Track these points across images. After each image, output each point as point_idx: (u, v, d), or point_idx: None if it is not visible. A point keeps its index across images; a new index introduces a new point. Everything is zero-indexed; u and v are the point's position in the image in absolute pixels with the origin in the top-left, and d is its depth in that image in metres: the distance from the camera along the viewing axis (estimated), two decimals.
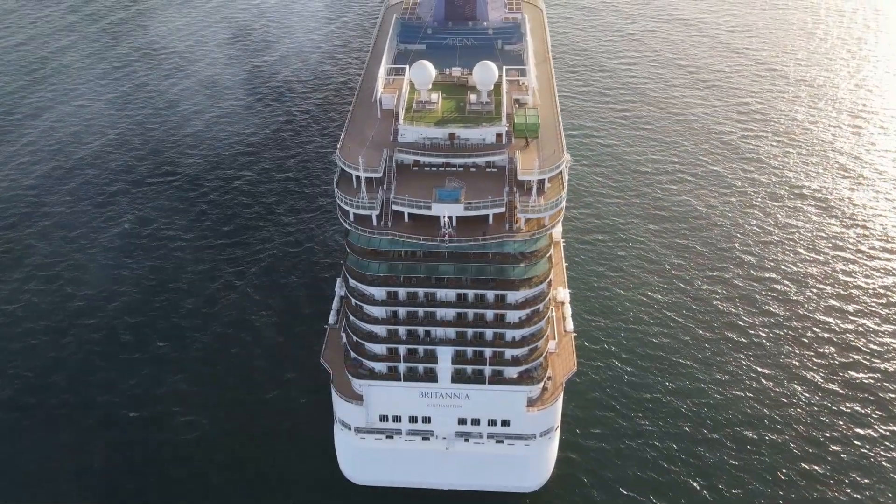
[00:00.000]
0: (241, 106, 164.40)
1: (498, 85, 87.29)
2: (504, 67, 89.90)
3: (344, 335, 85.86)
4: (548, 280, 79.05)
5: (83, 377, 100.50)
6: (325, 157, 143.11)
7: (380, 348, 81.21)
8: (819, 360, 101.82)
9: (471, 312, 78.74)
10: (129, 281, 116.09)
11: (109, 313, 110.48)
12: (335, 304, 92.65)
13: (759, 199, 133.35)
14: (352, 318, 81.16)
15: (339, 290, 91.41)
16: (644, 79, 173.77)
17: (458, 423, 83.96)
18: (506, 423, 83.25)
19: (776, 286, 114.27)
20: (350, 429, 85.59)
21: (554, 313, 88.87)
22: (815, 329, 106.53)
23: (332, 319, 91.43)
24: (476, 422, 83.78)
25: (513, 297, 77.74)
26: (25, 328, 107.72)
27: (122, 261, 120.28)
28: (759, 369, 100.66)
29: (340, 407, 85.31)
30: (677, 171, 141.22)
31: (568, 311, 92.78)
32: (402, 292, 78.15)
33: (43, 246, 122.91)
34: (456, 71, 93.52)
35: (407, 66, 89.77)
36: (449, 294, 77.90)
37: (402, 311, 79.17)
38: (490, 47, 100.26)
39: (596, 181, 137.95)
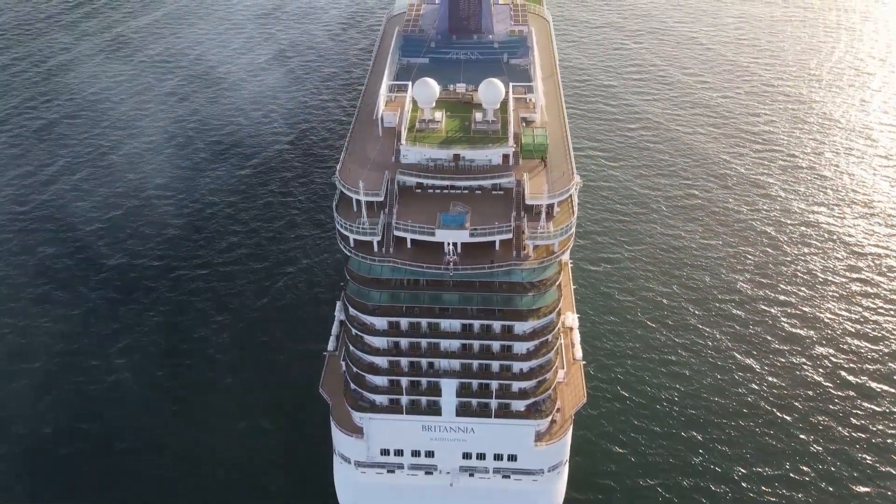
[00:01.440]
0: (237, 118, 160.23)
1: (504, 103, 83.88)
2: (510, 84, 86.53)
3: (343, 363, 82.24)
4: (557, 309, 75.43)
5: (72, 398, 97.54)
6: (326, 174, 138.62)
7: (381, 380, 77.49)
8: (837, 412, 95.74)
9: (476, 343, 75.02)
10: (118, 304, 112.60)
11: (104, 332, 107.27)
12: (334, 330, 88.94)
13: (770, 226, 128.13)
14: (352, 348, 77.44)
15: (339, 314, 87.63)
16: (648, 95, 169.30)
17: (463, 458, 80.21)
18: (513, 457, 79.49)
19: (787, 319, 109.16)
20: (350, 462, 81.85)
21: (562, 340, 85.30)
22: (831, 366, 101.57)
23: (331, 346, 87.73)
24: (482, 456, 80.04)
25: (520, 327, 73.99)
26: None
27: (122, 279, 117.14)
28: (775, 401, 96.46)
29: (340, 440, 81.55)
30: (685, 192, 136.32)
31: (577, 337, 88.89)
32: (404, 322, 74.46)
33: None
34: (460, 87, 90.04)
35: (410, 83, 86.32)
36: (453, 324, 74.20)
37: (404, 341, 75.45)
38: (496, 62, 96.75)
39: (602, 198, 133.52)
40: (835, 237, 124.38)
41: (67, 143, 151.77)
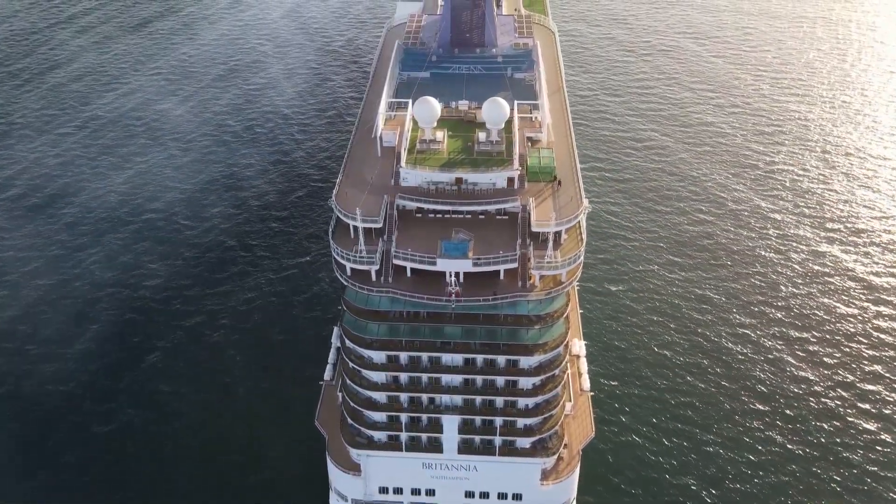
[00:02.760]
0: (231, 135, 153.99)
1: (509, 122, 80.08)
2: (515, 102, 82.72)
3: (340, 395, 78.46)
4: (565, 342, 71.60)
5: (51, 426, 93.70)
6: (322, 192, 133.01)
7: (379, 416, 73.68)
8: (859, 434, 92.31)
9: (479, 379, 71.24)
10: (117, 327, 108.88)
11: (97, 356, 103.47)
12: (331, 357, 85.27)
13: (791, 239, 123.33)
14: (348, 381, 73.68)
15: (336, 341, 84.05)
16: (659, 101, 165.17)
17: (466, 497, 76.53)
18: (518, 496, 75.78)
19: (810, 343, 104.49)
20: (347, 500, 78.12)
21: (569, 370, 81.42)
22: (859, 390, 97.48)
23: (327, 375, 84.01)
24: (485, 495, 76.33)
25: (526, 362, 70.15)
26: None
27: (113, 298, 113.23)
28: (789, 431, 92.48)
29: (336, 476, 77.73)
30: (697, 206, 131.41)
31: (584, 366, 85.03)
32: (403, 356, 70.70)
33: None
34: (463, 105, 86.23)
35: (410, 101, 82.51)
36: (455, 359, 70.38)
37: (403, 376, 71.70)
38: (499, 77, 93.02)
39: (609, 218, 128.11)
40: (853, 271, 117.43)
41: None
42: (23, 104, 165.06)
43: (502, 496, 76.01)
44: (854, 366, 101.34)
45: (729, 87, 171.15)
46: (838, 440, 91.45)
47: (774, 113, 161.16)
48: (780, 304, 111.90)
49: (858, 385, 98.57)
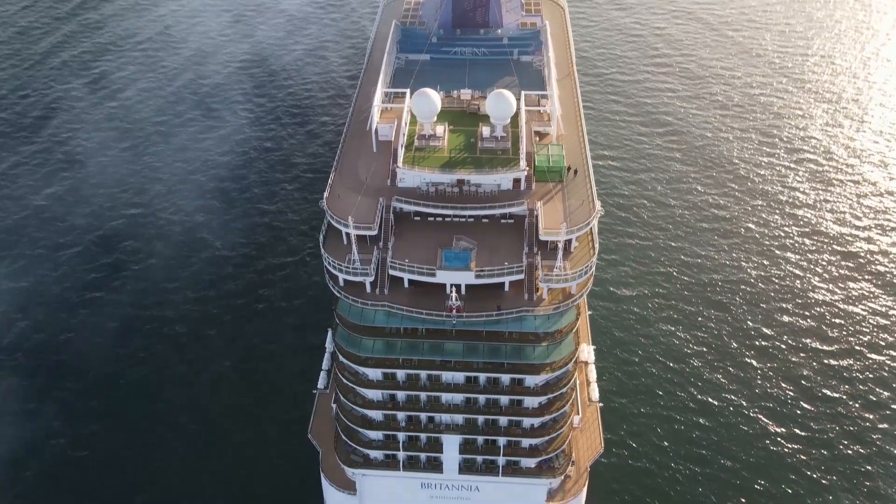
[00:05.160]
0: (212, 123, 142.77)
1: (515, 115, 73.70)
2: (522, 93, 76.30)
3: (334, 406, 73.98)
4: (574, 359, 66.74)
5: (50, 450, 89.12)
6: (313, 185, 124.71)
7: (375, 434, 69.39)
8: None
9: (482, 397, 66.69)
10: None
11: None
12: (325, 364, 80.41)
13: (825, 239, 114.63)
14: (342, 399, 69.12)
15: (330, 346, 79.28)
16: (677, 79, 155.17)
17: None
18: None
19: (837, 357, 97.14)
20: None
21: (577, 378, 76.69)
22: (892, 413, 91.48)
23: (321, 383, 79.38)
24: None
25: (532, 381, 65.44)
26: None
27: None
28: (815, 447, 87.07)
29: (330, 494, 73.88)
30: (717, 200, 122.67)
31: (592, 373, 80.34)
32: (401, 374, 66.03)
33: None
34: (465, 94, 79.72)
35: (408, 91, 76.20)
36: (457, 377, 65.60)
37: (401, 394, 67.13)
38: (505, 62, 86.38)
39: (617, 213, 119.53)
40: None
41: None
42: None
43: None
44: (890, 386, 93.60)
45: (760, 61, 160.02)
46: (867, 467, 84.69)
47: (812, 88, 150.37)
48: (807, 312, 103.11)
49: (893, 406, 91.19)
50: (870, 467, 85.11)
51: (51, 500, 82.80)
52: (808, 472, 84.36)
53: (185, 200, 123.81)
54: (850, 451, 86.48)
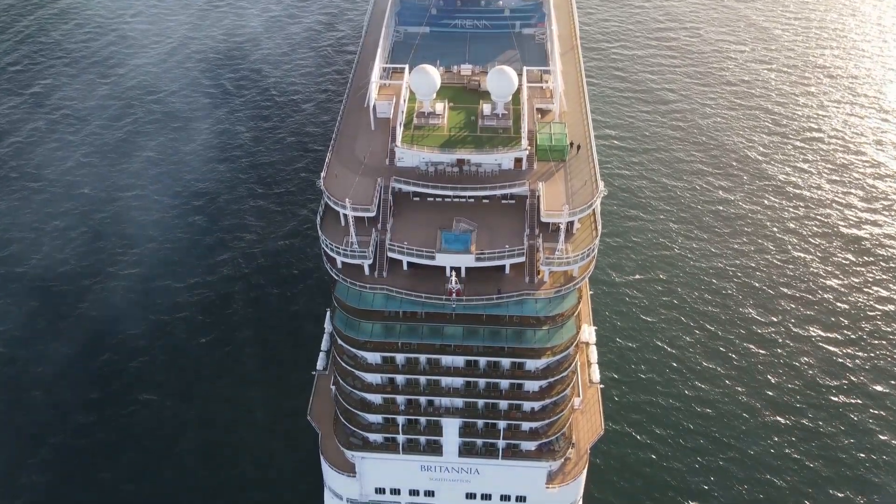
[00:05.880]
0: (210, 100, 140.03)
1: (517, 92, 71.74)
2: (524, 69, 74.23)
3: (334, 388, 73.31)
4: (575, 343, 65.82)
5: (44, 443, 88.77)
6: (311, 165, 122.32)
7: (374, 417, 68.80)
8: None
9: (482, 381, 65.95)
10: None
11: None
12: (324, 344, 79.37)
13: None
14: (341, 382, 68.37)
15: (329, 326, 78.26)
16: (681, 54, 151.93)
17: (467, 498, 72.38)
18: (521, 499, 71.66)
19: (842, 344, 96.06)
20: (342, 499, 74.23)
21: (578, 361, 75.84)
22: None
23: (320, 364, 78.47)
24: (487, 496, 72.18)
25: (532, 364, 64.61)
26: None
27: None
28: (815, 436, 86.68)
29: (331, 476, 73.52)
30: (721, 182, 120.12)
31: (594, 354, 79.50)
32: (400, 358, 65.17)
33: None
34: (465, 69, 77.67)
35: (407, 67, 74.14)
36: (456, 360, 64.76)
37: (400, 378, 66.36)
38: (506, 35, 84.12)
39: (621, 195, 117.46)
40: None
41: None
42: None
43: (505, 498, 71.94)
44: (893, 376, 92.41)
45: (768, 39, 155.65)
46: (866, 458, 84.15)
47: (818, 66, 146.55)
48: (811, 298, 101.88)
49: (894, 397, 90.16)
50: (869, 459, 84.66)
51: (48, 494, 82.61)
52: (808, 463, 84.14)
53: (176, 182, 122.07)
54: (849, 442, 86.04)
